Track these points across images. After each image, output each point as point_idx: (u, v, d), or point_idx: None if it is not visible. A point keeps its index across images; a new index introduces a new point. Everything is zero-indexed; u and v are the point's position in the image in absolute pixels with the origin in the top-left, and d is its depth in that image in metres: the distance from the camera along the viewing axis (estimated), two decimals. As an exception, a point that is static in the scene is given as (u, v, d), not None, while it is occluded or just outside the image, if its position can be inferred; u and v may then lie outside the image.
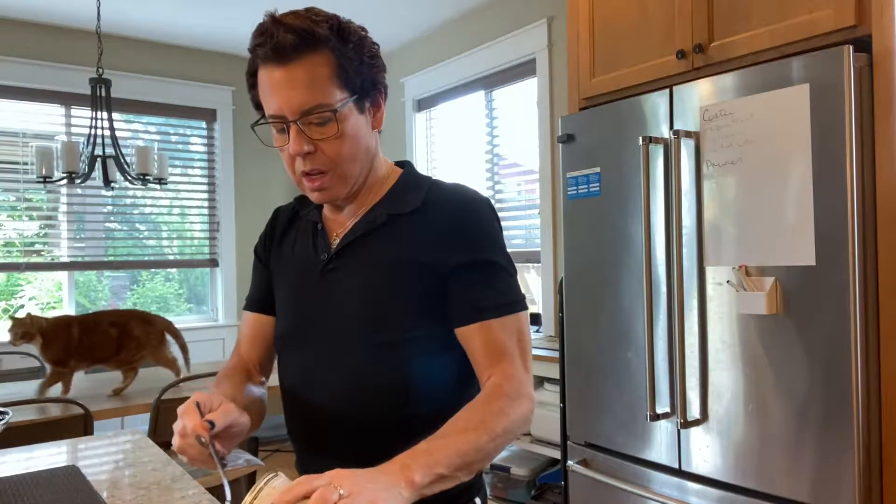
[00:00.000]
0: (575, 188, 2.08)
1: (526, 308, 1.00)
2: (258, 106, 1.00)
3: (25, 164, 3.84)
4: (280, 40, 0.91)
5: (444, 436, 0.82)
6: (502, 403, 0.88)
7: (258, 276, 1.17)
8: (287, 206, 1.18)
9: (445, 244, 0.98)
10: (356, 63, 0.96)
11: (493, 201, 3.76)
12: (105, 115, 3.17)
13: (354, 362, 0.99)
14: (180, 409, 0.87)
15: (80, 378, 3.24)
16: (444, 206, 1.01)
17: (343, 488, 0.68)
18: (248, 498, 0.72)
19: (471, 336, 0.96)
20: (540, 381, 2.96)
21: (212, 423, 0.84)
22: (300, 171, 0.98)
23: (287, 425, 1.11)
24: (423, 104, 4.36)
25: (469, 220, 1.00)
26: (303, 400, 1.06)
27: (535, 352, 2.90)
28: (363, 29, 1.00)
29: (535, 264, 3.59)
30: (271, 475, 0.76)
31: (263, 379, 1.15)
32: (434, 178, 1.08)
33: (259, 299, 1.16)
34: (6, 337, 3.80)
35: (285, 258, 1.12)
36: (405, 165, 1.11)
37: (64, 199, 4.06)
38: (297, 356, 1.07)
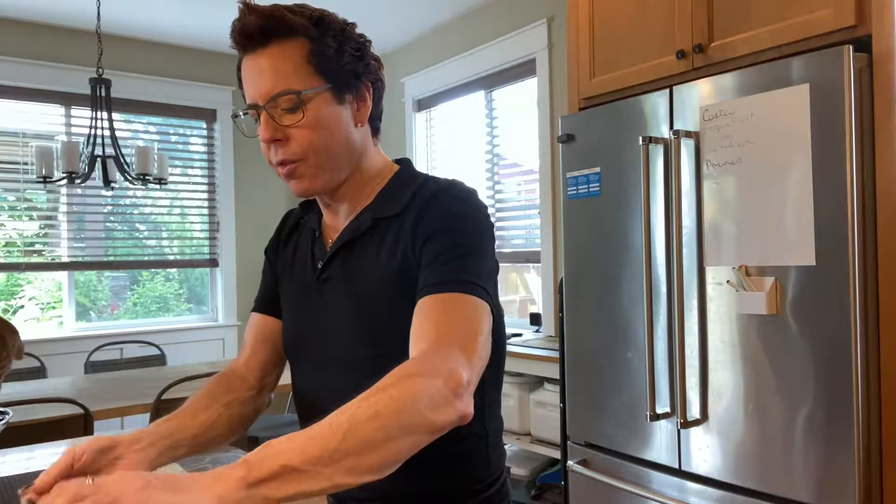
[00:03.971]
0: (575, 188, 2.08)
1: (476, 293, 0.87)
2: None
3: (25, 164, 3.84)
4: (246, 23, 0.90)
5: (311, 426, 0.68)
6: (391, 381, 0.73)
7: (266, 277, 1.16)
8: (295, 211, 1.16)
9: (414, 240, 0.93)
10: (334, 51, 0.93)
11: (493, 201, 3.79)
12: (105, 115, 3.17)
13: (351, 375, 0.95)
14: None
15: (80, 378, 3.24)
16: (421, 201, 0.95)
17: (100, 482, 0.60)
18: None
19: (412, 319, 0.87)
20: (540, 381, 2.96)
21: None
22: (275, 161, 0.95)
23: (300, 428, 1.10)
24: (423, 104, 4.36)
25: (431, 208, 0.94)
26: (310, 408, 1.05)
27: (535, 352, 2.91)
28: (350, 23, 0.97)
29: (535, 264, 3.59)
30: None
31: (258, 386, 1.10)
32: (430, 175, 1.03)
33: (265, 300, 1.14)
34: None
35: (288, 266, 1.11)
36: (402, 163, 1.07)
37: (64, 199, 4.06)
38: (302, 366, 1.07)
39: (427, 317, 0.86)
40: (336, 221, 1.05)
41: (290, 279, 1.10)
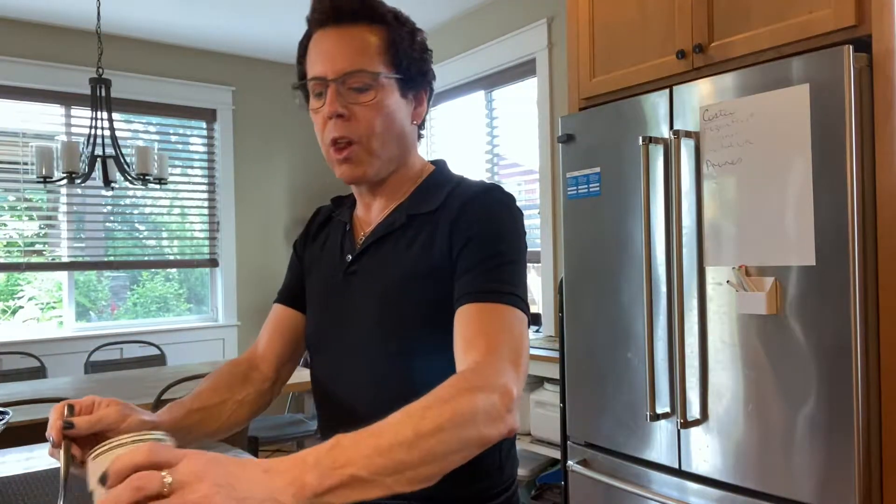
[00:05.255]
0: (575, 188, 2.08)
1: (519, 306, 0.90)
2: (303, 76, 1.01)
3: (25, 164, 3.84)
4: (339, 0, 0.95)
5: (375, 429, 0.68)
6: (453, 392, 0.73)
7: (292, 269, 1.17)
8: (326, 207, 1.18)
9: (452, 240, 0.94)
10: (407, 47, 0.98)
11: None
12: (105, 115, 3.17)
13: (372, 369, 0.98)
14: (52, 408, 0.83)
15: (80, 378, 3.24)
16: (456, 203, 0.96)
17: (179, 476, 0.55)
18: (101, 448, 0.66)
19: (455, 324, 0.89)
20: (540, 381, 2.96)
21: (69, 424, 0.78)
22: (329, 138, 0.96)
23: (318, 422, 1.11)
24: (423, 104, 4.35)
25: (472, 209, 0.95)
26: (329, 401, 1.06)
27: (535, 352, 2.90)
28: (419, 28, 1.03)
29: (535, 264, 3.59)
30: (146, 436, 0.66)
31: (272, 376, 1.12)
32: (464, 177, 1.05)
33: (288, 292, 1.16)
34: (6, 337, 3.80)
35: (316, 259, 1.12)
36: (437, 164, 1.09)
37: (64, 199, 4.06)
38: (323, 359, 1.07)
39: (475, 326, 0.86)
40: (369, 216, 1.07)
41: (318, 272, 1.11)
